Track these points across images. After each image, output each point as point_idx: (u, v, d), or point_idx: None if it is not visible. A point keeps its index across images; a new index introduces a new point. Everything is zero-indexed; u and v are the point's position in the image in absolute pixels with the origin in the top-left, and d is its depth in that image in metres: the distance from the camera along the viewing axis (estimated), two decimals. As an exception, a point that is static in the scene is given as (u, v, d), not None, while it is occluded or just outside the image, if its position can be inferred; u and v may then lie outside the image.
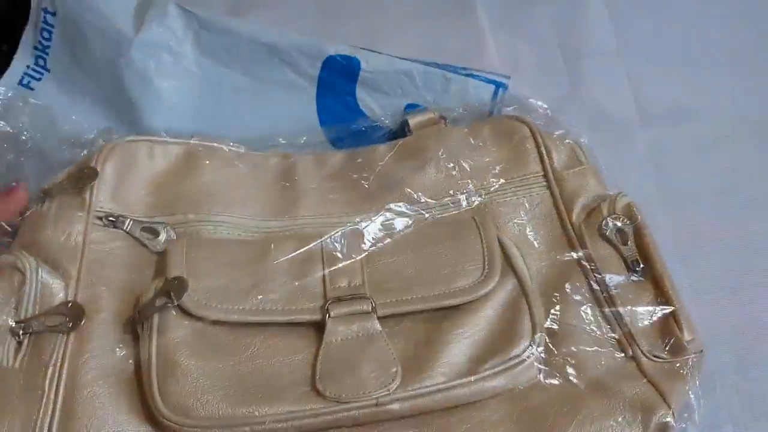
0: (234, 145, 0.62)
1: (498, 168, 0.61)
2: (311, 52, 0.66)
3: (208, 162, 0.60)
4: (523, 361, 0.50)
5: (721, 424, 0.56)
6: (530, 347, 0.50)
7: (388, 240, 0.55)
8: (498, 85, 0.67)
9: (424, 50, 0.69)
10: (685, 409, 0.50)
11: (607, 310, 0.53)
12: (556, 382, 0.51)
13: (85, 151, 0.60)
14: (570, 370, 0.51)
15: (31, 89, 0.66)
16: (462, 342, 0.50)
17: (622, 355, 0.52)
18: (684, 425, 0.50)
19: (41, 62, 0.67)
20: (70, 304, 0.50)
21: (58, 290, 0.51)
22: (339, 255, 0.54)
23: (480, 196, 0.59)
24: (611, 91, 0.73)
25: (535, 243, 0.57)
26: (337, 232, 0.56)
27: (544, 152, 0.61)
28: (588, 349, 0.52)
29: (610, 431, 0.48)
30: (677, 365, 0.51)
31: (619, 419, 0.48)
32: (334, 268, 0.53)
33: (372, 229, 0.57)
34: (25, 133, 0.62)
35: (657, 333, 0.52)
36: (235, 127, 0.66)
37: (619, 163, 0.64)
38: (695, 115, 0.71)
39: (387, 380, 0.48)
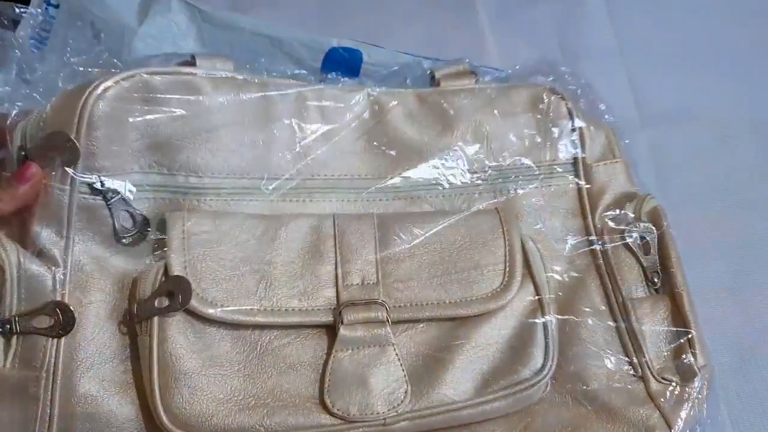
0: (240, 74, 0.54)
1: (527, 147, 0.56)
2: (313, 45, 0.66)
3: (209, 95, 0.51)
4: (533, 385, 0.48)
5: (721, 424, 0.56)
6: (543, 370, 0.48)
7: (406, 231, 0.51)
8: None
9: (424, 49, 0.69)
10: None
11: (621, 324, 0.51)
12: (562, 398, 0.50)
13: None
14: (576, 387, 0.50)
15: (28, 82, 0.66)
16: (473, 357, 0.48)
17: (632, 374, 0.50)
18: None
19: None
20: (58, 306, 0.46)
21: (46, 280, 0.46)
22: (353, 241, 0.50)
23: (506, 179, 0.56)
24: (611, 91, 0.73)
25: (554, 243, 0.55)
26: (351, 216, 0.52)
27: (578, 138, 0.57)
28: (597, 365, 0.50)
29: None
30: (687, 391, 0.50)
31: None
32: (347, 260, 0.49)
33: (388, 206, 0.54)
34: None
35: (670, 354, 0.51)
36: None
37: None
38: (695, 115, 0.71)
39: (396, 400, 0.46)
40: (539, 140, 0.57)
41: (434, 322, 0.50)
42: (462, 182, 0.55)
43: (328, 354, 0.47)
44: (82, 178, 0.48)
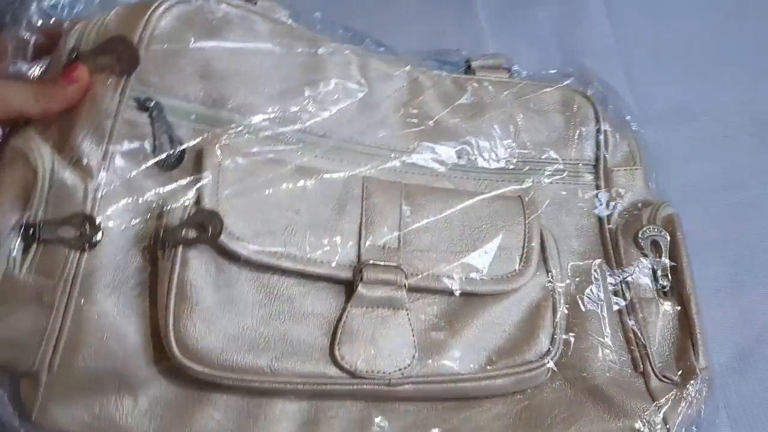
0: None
1: (554, 141, 0.58)
2: None
3: (265, 36, 0.50)
4: (537, 368, 0.49)
5: (721, 424, 0.56)
6: (547, 355, 0.49)
7: (431, 204, 0.51)
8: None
9: (424, 49, 0.69)
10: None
11: (627, 321, 0.53)
12: (561, 385, 0.50)
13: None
14: (577, 375, 0.51)
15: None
16: (481, 333, 0.49)
17: (633, 369, 0.52)
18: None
19: None
20: (87, 219, 0.44)
21: (77, 191, 0.44)
22: (379, 205, 0.50)
23: (531, 170, 0.57)
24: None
25: (570, 239, 0.56)
26: (380, 181, 0.52)
27: (602, 141, 0.58)
28: (600, 357, 0.51)
29: None
30: (686, 391, 0.50)
31: None
32: (372, 222, 0.49)
33: (412, 180, 0.54)
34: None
35: (672, 354, 0.52)
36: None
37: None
38: (694, 114, 0.72)
39: (402, 363, 0.47)
40: (566, 138, 0.58)
41: (448, 295, 0.50)
42: (488, 167, 0.56)
43: (343, 309, 0.48)
44: (135, 91, 0.46)
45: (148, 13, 0.46)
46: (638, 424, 0.49)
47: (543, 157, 0.57)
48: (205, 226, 0.45)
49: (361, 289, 0.47)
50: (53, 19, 0.50)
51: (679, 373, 0.51)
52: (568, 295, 0.53)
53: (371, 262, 0.48)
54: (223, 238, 0.45)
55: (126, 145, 0.46)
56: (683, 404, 0.50)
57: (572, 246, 0.56)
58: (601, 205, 0.57)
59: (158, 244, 0.46)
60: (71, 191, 0.44)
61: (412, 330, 0.48)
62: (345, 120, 0.53)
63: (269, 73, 0.50)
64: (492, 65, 0.60)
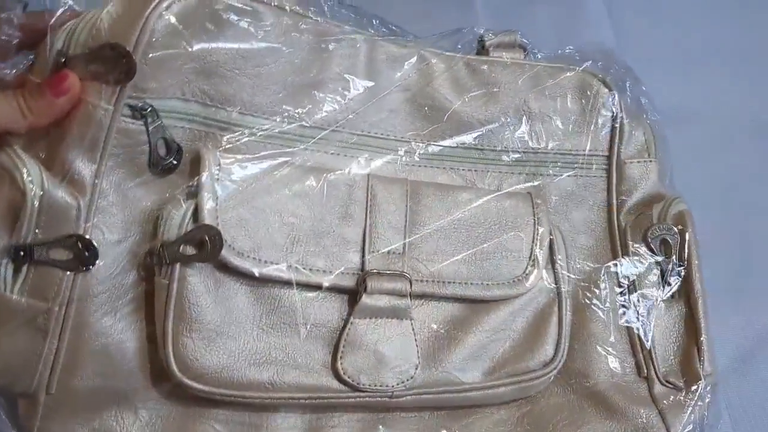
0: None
1: (569, 132, 0.55)
2: None
3: (268, 29, 0.47)
4: (541, 376, 0.49)
5: (723, 425, 0.56)
6: (551, 364, 0.49)
7: (438, 204, 0.50)
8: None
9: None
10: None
11: (632, 324, 0.52)
12: (564, 391, 0.50)
13: None
14: (580, 381, 0.50)
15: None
16: (485, 341, 0.49)
17: (636, 375, 0.51)
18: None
19: None
20: (81, 241, 0.42)
21: (70, 210, 0.42)
22: (384, 207, 0.48)
23: (542, 163, 0.54)
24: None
25: (578, 235, 0.54)
26: (385, 179, 0.50)
27: (618, 130, 0.55)
28: (603, 362, 0.51)
29: None
30: (689, 396, 0.50)
31: None
32: (376, 225, 0.48)
33: (420, 173, 0.52)
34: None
35: (677, 359, 0.51)
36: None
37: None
38: (695, 115, 0.71)
39: (406, 374, 0.46)
40: (581, 127, 0.55)
41: (452, 301, 0.49)
42: (498, 159, 0.54)
43: (346, 320, 0.47)
44: (129, 99, 0.43)
45: (147, 13, 0.42)
46: (641, 430, 0.48)
47: (555, 147, 0.55)
48: (204, 243, 0.43)
49: (365, 299, 0.46)
50: (34, 11, 0.45)
51: (684, 379, 0.50)
52: (574, 299, 0.52)
53: (375, 270, 0.47)
54: (223, 253, 0.44)
55: (120, 156, 0.44)
56: (686, 410, 0.49)
57: (580, 242, 0.54)
58: (612, 199, 0.55)
59: (155, 259, 0.44)
60: (63, 210, 0.42)
61: (415, 340, 0.47)
62: (351, 113, 0.51)
63: (272, 68, 0.48)
64: (507, 43, 0.56)
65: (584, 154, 0.55)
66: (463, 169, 0.53)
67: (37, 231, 0.41)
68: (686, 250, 0.53)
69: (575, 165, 0.55)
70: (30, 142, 0.43)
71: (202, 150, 0.45)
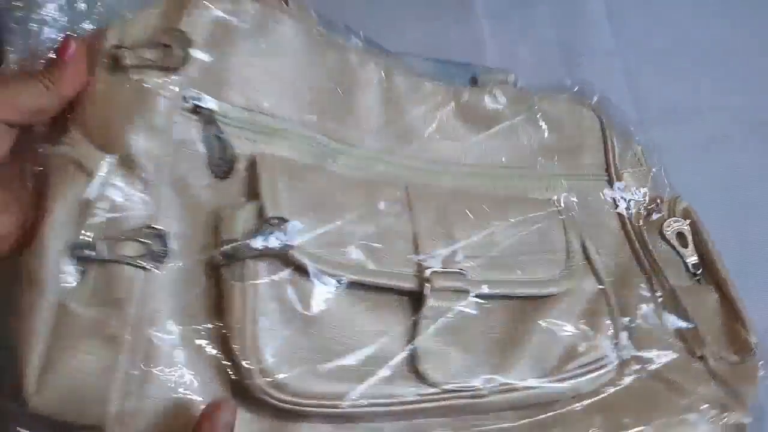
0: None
1: (564, 152, 0.59)
2: None
3: (293, 40, 0.48)
4: (606, 364, 0.49)
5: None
6: (613, 351, 0.49)
7: (478, 208, 0.51)
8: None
9: (424, 49, 0.69)
10: (757, 412, 0.51)
11: (673, 313, 0.53)
12: (631, 379, 0.50)
13: None
14: (643, 368, 0.51)
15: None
16: (545, 337, 0.48)
17: (691, 356, 0.52)
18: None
19: None
20: (153, 231, 0.39)
21: (135, 202, 0.39)
22: (429, 212, 0.49)
23: (552, 173, 0.58)
24: (610, 91, 0.72)
25: (602, 238, 0.56)
26: (428, 186, 0.52)
27: (610, 146, 0.60)
28: (658, 349, 0.51)
29: (689, 428, 0.48)
30: (748, 367, 0.51)
31: (696, 416, 0.49)
32: (425, 229, 0.47)
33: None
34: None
35: (724, 335, 0.53)
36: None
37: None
38: (695, 115, 0.71)
39: (478, 371, 0.45)
40: (577, 147, 0.60)
41: (503, 302, 0.49)
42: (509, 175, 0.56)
43: (413, 320, 0.45)
44: (190, 92, 0.42)
45: (194, 11, 0.43)
46: (713, 405, 0.49)
47: (557, 163, 0.58)
48: (275, 235, 0.41)
49: (429, 299, 0.45)
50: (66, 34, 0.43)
51: (736, 353, 0.52)
52: (612, 295, 0.52)
53: (435, 269, 0.46)
54: (293, 251, 0.41)
55: (179, 148, 0.42)
56: (749, 381, 0.51)
57: (603, 245, 0.56)
58: (622, 203, 0.58)
59: (223, 259, 0.41)
60: (128, 200, 0.39)
61: (482, 337, 0.47)
62: (385, 128, 0.52)
63: (304, 81, 0.48)
64: (499, 81, 0.60)
65: (585, 168, 0.59)
66: (483, 186, 0.55)
67: (104, 225, 0.38)
68: (701, 239, 0.57)
69: (577, 178, 0.58)
70: (85, 130, 0.40)
71: (258, 156, 0.44)
